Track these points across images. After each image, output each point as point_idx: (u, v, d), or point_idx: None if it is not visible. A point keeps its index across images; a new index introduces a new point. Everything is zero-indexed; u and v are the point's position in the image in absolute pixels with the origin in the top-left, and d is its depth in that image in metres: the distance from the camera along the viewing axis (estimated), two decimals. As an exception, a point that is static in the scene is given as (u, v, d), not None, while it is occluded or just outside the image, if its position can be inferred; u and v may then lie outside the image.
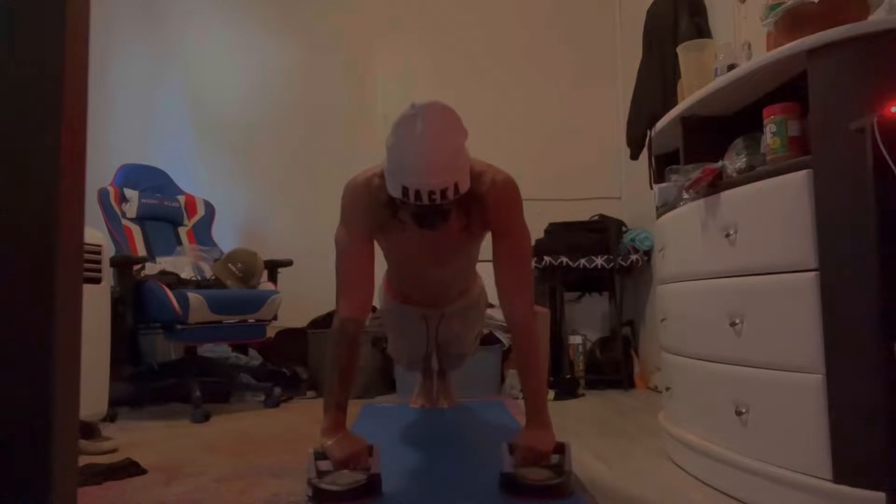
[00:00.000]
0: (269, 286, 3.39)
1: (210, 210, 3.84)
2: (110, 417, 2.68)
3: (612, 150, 4.15)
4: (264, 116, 4.27)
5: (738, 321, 1.59)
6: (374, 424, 2.42)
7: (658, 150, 2.41)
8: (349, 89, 4.29)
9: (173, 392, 3.17)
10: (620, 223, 3.87)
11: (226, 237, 3.86)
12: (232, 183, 4.20)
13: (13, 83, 0.62)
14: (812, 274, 1.38)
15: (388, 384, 3.52)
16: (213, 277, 3.26)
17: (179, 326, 2.92)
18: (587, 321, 3.94)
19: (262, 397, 3.26)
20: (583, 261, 3.64)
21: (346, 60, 4.31)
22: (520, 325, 1.73)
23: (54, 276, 0.61)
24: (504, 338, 3.51)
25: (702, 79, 2.02)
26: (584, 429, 2.50)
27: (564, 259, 3.63)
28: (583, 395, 3.41)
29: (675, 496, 1.64)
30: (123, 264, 2.97)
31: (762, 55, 1.61)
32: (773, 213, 1.49)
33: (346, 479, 1.55)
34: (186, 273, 3.22)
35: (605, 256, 3.64)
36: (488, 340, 3.38)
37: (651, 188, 2.31)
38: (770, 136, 1.56)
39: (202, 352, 3.42)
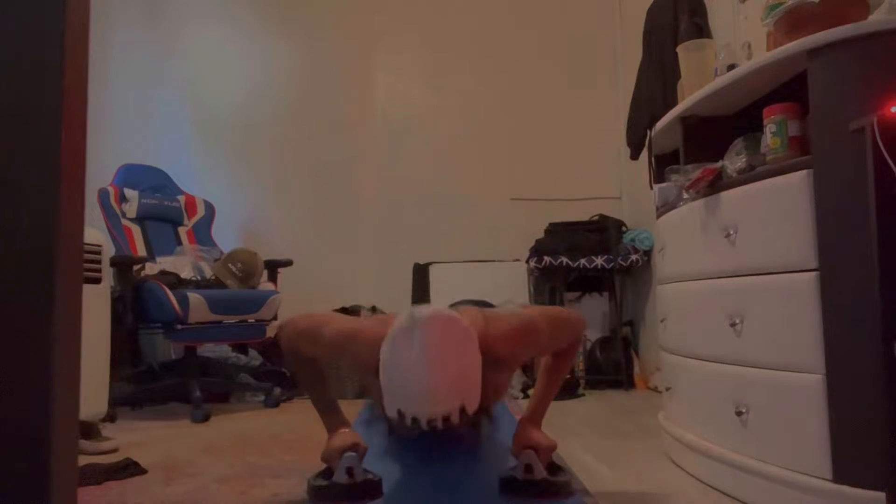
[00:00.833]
0: (269, 286, 3.39)
1: (210, 210, 3.84)
2: (110, 417, 2.68)
3: (612, 150, 4.15)
4: (264, 116, 4.27)
5: (738, 321, 1.59)
6: (374, 424, 2.42)
7: (658, 150, 2.41)
8: (349, 89, 4.29)
9: (173, 392, 3.17)
10: (620, 223, 3.87)
11: (226, 237, 3.86)
12: (232, 183, 4.20)
13: (13, 83, 0.62)
14: (812, 274, 1.38)
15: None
16: (213, 277, 3.26)
17: (179, 326, 2.92)
18: (587, 321, 3.94)
19: (262, 397, 3.26)
20: (583, 261, 3.64)
21: (346, 60, 4.31)
22: (576, 339, 1.73)
23: (54, 276, 0.61)
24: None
25: (702, 79, 2.01)
26: (584, 429, 2.50)
27: (564, 259, 3.63)
28: (583, 395, 3.41)
29: (675, 496, 1.64)
30: (123, 264, 2.97)
31: (762, 55, 1.61)
32: (773, 213, 1.49)
33: (346, 479, 1.55)
34: (186, 273, 3.22)
35: (605, 256, 3.64)
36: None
37: (651, 188, 2.31)
38: (770, 136, 1.56)
39: (202, 352, 3.42)
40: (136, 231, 3.47)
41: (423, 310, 1.31)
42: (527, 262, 3.78)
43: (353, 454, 1.57)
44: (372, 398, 1.91)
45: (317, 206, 4.20)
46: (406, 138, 4.24)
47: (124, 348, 3.28)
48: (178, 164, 3.99)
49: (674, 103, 2.22)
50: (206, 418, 2.80)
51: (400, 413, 1.29)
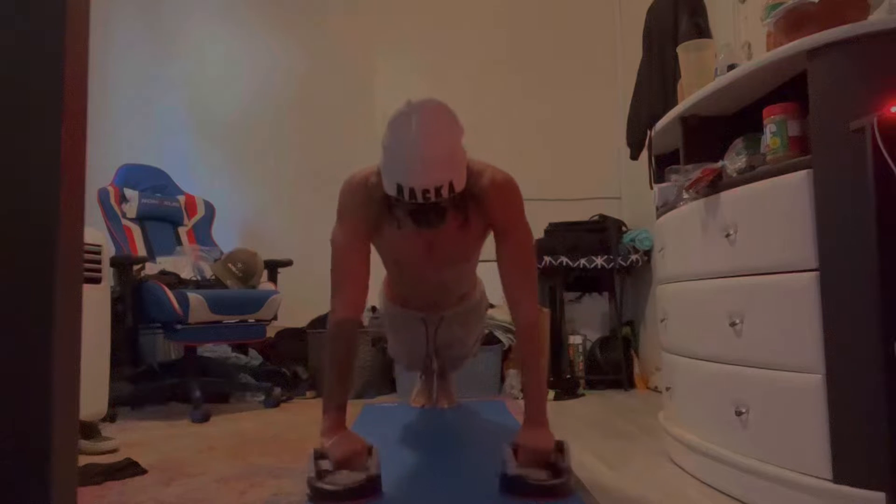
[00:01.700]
0: (269, 286, 3.39)
1: (210, 210, 3.84)
2: (110, 417, 2.68)
3: (612, 150, 4.15)
4: (264, 116, 4.27)
5: (738, 321, 1.59)
6: (374, 424, 2.42)
7: (658, 150, 2.41)
8: (349, 89, 4.29)
9: (173, 392, 3.17)
10: (620, 223, 3.87)
11: (226, 237, 3.86)
12: (232, 183, 4.20)
13: (13, 83, 0.62)
14: (812, 274, 1.38)
15: (388, 384, 3.52)
16: (213, 277, 3.26)
17: (179, 326, 2.92)
18: (587, 321, 3.94)
19: (262, 397, 3.26)
20: (583, 261, 3.64)
21: (346, 61, 4.31)
22: (526, 325, 1.73)
23: (54, 276, 0.61)
24: (504, 338, 3.51)
25: (702, 79, 2.01)
26: (584, 429, 2.50)
27: (564, 259, 3.63)
28: (583, 395, 3.41)
29: (675, 496, 1.64)
30: (123, 264, 2.97)
31: (762, 55, 1.61)
32: (773, 213, 1.49)
33: (346, 479, 1.55)
34: (186, 273, 3.22)
35: (605, 256, 3.64)
36: (488, 340, 3.38)
37: (651, 188, 2.31)
38: (770, 136, 1.56)
39: (202, 352, 3.42)
40: (136, 231, 3.47)
41: (418, 98, 1.52)
42: (527, 262, 3.77)
43: (377, 449, 1.62)
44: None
45: (317, 206, 4.18)
46: (406, 138, 4.23)
47: (124, 348, 3.28)
48: (178, 164, 3.99)
49: (674, 103, 2.22)
50: (206, 418, 2.80)
51: (399, 187, 1.49)
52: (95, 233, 2.50)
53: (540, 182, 4.17)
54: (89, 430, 2.23)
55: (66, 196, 0.62)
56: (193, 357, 3.16)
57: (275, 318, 3.30)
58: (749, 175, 1.60)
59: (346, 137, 4.25)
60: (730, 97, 1.85)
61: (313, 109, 4.26)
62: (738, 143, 1.73)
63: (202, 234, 3.75)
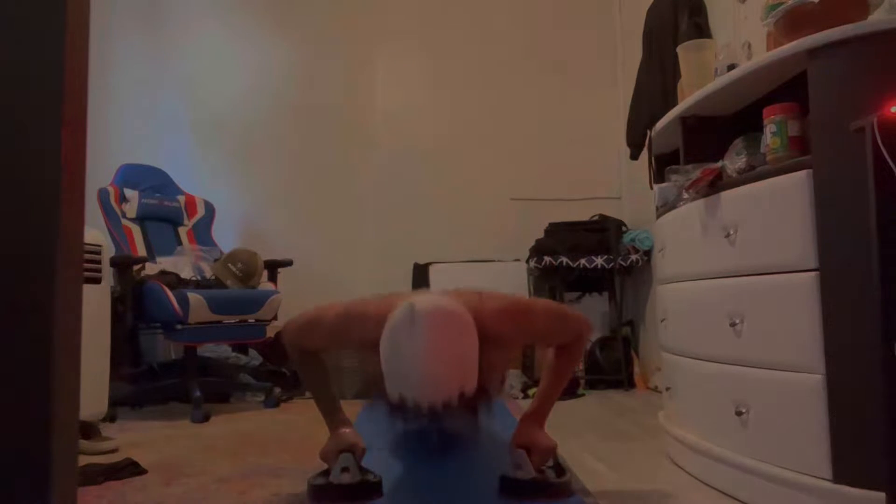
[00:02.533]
0: (269, 286, 3.39)
1: (210, 210, 3.84)
2: (110, 417, 2.68)
3: (612, 150, 4.15)
4: (264, 116, 4.27)
5: (738, 321, 1.59)
6: (374, 424, 2.42)
7: (658, 150, 2.41)
8: (349, 90, 4.29)
9: (173, 392, 3.17)
10: (620, 223, 3.87)
11: (226, 237, 3.86)
12: (232, 183, 4.20)
13: (13, 83, 0.62)
14: (812, 274, 1.38)
15: (388, 384, 3.51)
16: (213, 277, 3.26)
17: (179, 326, 2.92)
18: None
19: (262, 397, 3.26)
20: (583, 261, 3.63)
21: (345, 61, 4.31)
22: (580, 337, 1.71)
23: (54, 276, 0.61)
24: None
25: (702, 79, 2.01)
26: (584, 429, 2.50)
27: (564, 259, 3.63)
28: (583, 395, 3.41)
29: (675, 496, 1.64)
30: (123, 264, 2.97)
31: (762, 55, 1.61)
32: (773, 213, 1.49)
33: (346, 479, 1.55)
34: (186, 273, 3.22)
35: (605, 256, 3.64)
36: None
37: (651, 188, 2.31)
38: (770, 136, 1.56)
39: (202, 352, 3.42)
40: (136, 231, 3.47)
41: (422, 302, 1.33)
42: (527, 262, 3.78)
43: (350, 455, 1.58)
44: (373, 378, 1.93)
45: (317, 206, 4.20)
46: (406, 138, 4.24)
47: (124, 348, 3.27)
48: (178, 164, 3.99)
49: (674, 103, 2.22)
50: (206, 418, 2.80)
51: (401, 397, 1.33)
52: (95, 233, 2.50)
53: (540, 182, 4.19)
54: (89, 430, 2.23)
55: (66, 196, 0.62)
56: (193, 357, 3.16)
57: (275, 318, 3.30)
58: (749, 175, 1.60)
59: (346, 137, 4.25)
60: (730, 97, 1.84)
61: (313, 109, 4.26)
62: (738, 143, 1.73)
63: (202, 234, 3.75)
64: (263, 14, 4.33)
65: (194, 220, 3.78)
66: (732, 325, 1.61)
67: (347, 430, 1.67)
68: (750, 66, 1.64)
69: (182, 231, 3.71)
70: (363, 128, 4.25)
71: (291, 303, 3.43)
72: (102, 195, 3.41)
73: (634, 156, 3.31)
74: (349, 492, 1.51)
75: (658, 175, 2.37)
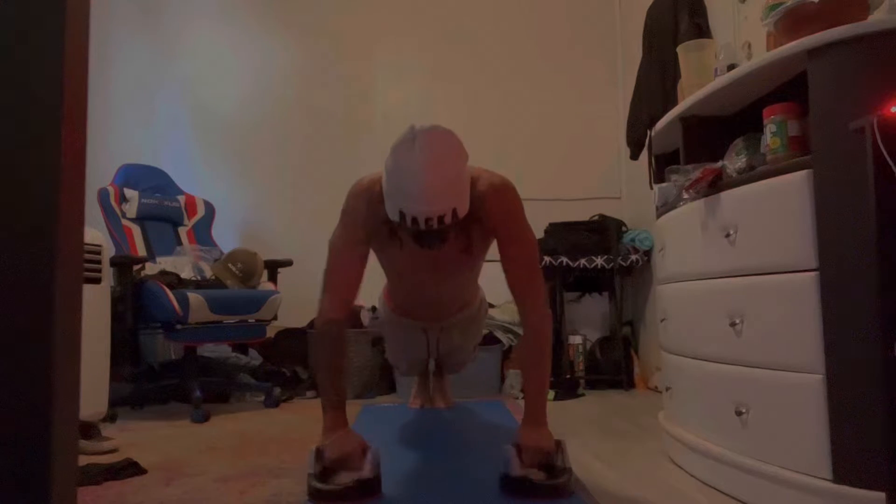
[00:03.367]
0: (269, 286, 3.39)
1: (210, 210, 3.84)
2: (110, 417, 2.68)
3: (612, 150, 4.15)
4: (264, 116, 4.27)
5: (738, 321, 1.59)
6: (373, 424, 2.42)
7: (658, 150, 2.41)
8: (349, 89, 4.29)
9: (173, 392, 3.17)
10: (620, 223, 3.87)
11: (226, 237, 3.86)
12: (232, 183, 4.20)
13: (13, 83, 0.62)
14: (812, 274, 1.38)
15: (388, 384, 3.52)
16: (213, 277, 3.26)
17: (179, 326, 2.92)
18: (587, 321, 3.94)
19: (262, 397, 3.26)
20: (583, 261, 3.63)
21: (346, 60, 4.31)
22: (533, 325, 1.73)
23: (54, 276, 0.61)
24: (504, 338, 3.51)
25: (702, 79, 2.02)
26: (584, 429, 2.50)
27: (564, 259, 3.63)
28: (583, 395, 3.41)
29: (675, 496, 1.64)
30: (123, 264, 2.97)
31: (762, 55, 1.61)
32: (773, 213, 1.49)
33: (346, 479, 1.55)
34: (186, 273, 3.22)
35: (605, 256, 3.64)
36: (488, 340, 3.38)
37: (651, 188, 2.31)
38: (770, 136, 1.56)
39: (202, 352, 3.42)
40: (136, 231, 3.47)
41: (422, 123, 1.49)
42: (527, 262, 3.77)
43: (376, 453, 1.60)
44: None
45: (317, 206, 4.19)
46: (406, 138, 4.23)
47: (124, 348, 3.27)
48: (178, 164, 3.99)
49: (674, 103, 2.22)
50: (206, 418, 2.80)
51: (402, 214, 1.47)
52: (95, 233, 2.50)
53: (540, 182, 4.18)
54: (89, 430, 2.23)
55: (66, 196, 0.62)
56: (193, 357, 3.16)
57: (275, 318, 3.30)
58: (749, 175, 1.60)
59: (346, 137, 4.25)
60: (730, 97, 1.85)
61: (313, 109, 4.26)
62: (738, 143, 1.73)
63: (202, 234, 3.75)
64: (264, 14, 4.33)
65: (194, 220, 3.78)
66: (732, 325, 1.61)
67: (351, 432, 1.68)
68: (750, 66, 1.64)
69: (182, 231, 3.71)
70: (363, 127, 4.25)
71: (291, 303, 3.44)
72: (102, 195, 3.41)
73: (634, 156, 3.30)
74: (349, 492, 1.51)
75: (658, 175, 2.37)
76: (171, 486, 1.75)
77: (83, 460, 1.93)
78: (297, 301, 3.43)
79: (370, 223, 1.71)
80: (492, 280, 2.21)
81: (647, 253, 3.61)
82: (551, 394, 3.23)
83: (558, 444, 1.64)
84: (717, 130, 1.93)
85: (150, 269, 3.14)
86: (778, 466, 1.46)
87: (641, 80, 3.16)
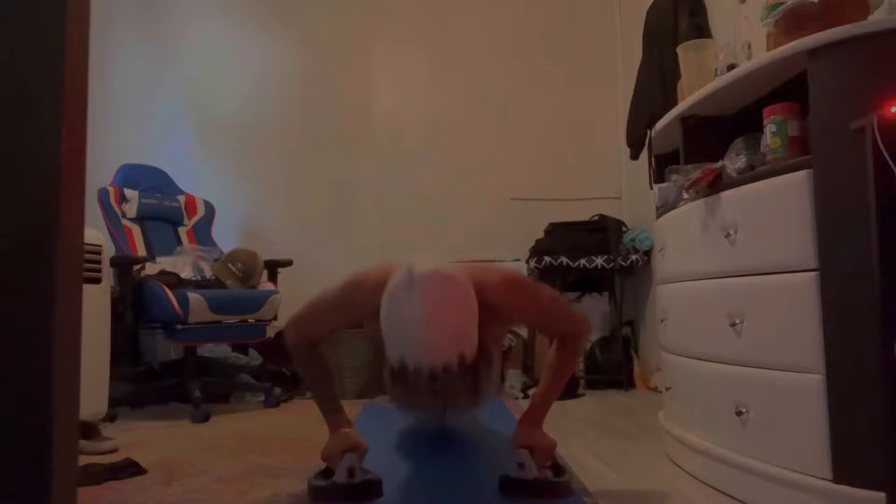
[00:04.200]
0: (269, 286, 3.39)
1: (210, 210, 3.84)
2: (110, 417, 2.68)
3: (612, 150, 4.15)
4: (264, 116, 4.27)
5: (738, 321, 1.59)
6: (373, 424, 2.42)
7: (658, 150, 2.41)
8: (349, 90, 4.29)
9: (173, 392, 3.16)
10: (620, 223, 3.87)
11: (226, 237, 3.86)
12: (232, 183, 4.20)
13: (13, 83, 0.62)
14: (812, 274, 1.38)
15: (388, 384, 3.52)
16: (213, 277, 3.26)
17: (179, 326, 2.92)
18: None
19: (262, 397, 3.26)
20: (583, 261, 3.63)
21: (345, 60, 4.31)
22: (571, 335, 1.71)
23: (54, 276, 0.61)
24: (504, 338, 3.51)
25: (702, 79, 2.01)
26: (584, 429, 2.50)
27: (564, 259, 3.63)
28: (583, 395, 3.41)
29: (675, 496, 1.64)
30: (123, 264, 2.97)
31: (762, 55, 1.61)
32: (773, 213, 1.49)
33: (345, 479, 1.55)
34: (186, 273, 3.22)
35: (605, 256, 3.64)
36: (488, 340, 3.37)
37: (651, 188, 2.31)
38: (770, 136, 1.56)
39: (202, 352, 3.42)
40: (136, 231, 3.47)
41: (421, 266, 1.33)
42: (527, 262, 3.78)
43: (354, 454, 1.57)
44: (378, 345, 2.00)
45: (317, 206, 4.20)
46: (406, 138, 4.24)
47: (124, 348, 3.27)
48: (178, 164, 3.99)
49: (674, 103, 2.22)
50: (206, 418, 2.80)
51: (402, 362, 1.33)
52: (95, 233, 2.50)
53: (540, 182, 4.19)
54: (89, 430, 2.23)
55: (66, 196, 0.62)
56: (193, 357, 3.15)
57: (275, 318, 3.30)
58: (749, 175, 1.60)
59: (346, 137, 4.25)
60: (730, 97, 1.85)
61: (313, 109, 4.26)
62: (738, 143, 1.73)
63: (202, 234, 3.75)
64: (263, 14, 4.33)
65: (194, 220, 3.78)
66: (732, 325, 1.61)
67: (349, 430, 1.67)
68: (750, 66, 1.64)
69: (182, 231, 3.71)
70: (363, 128, 4.25)
71: (291, 303, 3.43)
72: (102, 195, 3.41)
73: (634, 156, 3.31)
74: (349, 492, 1.51)
75: (658, 175, 2.37)
76: (171, 486, 1.75)
77: (83, 460, 1.93)
78: (297, 301, 3.40)
79: (371, 324, 1.63)
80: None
81: (647, 253, 3.61)
82: (551, 394, 3.23)
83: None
84: (717, 130, 1.93)
85: (150, 269, 3.14)
86: (778, 466, 1.46)
87: (641, 80, 3.16)
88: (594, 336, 3.84)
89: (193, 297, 2.91)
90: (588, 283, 3.87)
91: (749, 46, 2.36)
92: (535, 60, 4.29)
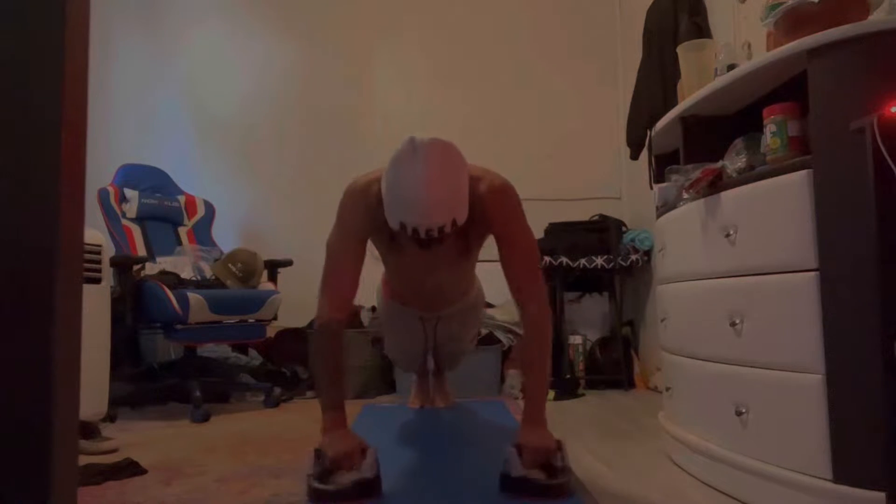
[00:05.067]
0: (269, 286, 3.39)
1: (210, 210, 3.84)
2: (110, 417, 2.68)
3: (612, 150, 4.15)
4: (264, 116, 4.27)
5: (738, 321, 1.59)
6: (373, 424, 2.42)
7: (658, 150, 2.41)
8: (349, 89, 4.29)
9: (173, 392, 3.16)
10: (620, 223, 3.87)
11: (226, 237, 3.86)
12: (232, 183, 4.20)
13: (13, 83, 0.62)
14: (812, 274, 1.38)
15: (388, 384, 3.52)
16: (213, 277, 3.26)
17: (179, 326, 2.92)
18: (587, 321, 3.94)
19: (262, 397, 3.26)
20: (583, 261, 3.63)
21: (345, 60, 4.31)
22: (533, 321, 1.74)
23: (54, 276, 0.61)
24: (504, 338, 3.51)
25: (702, 79, 2.02)
26: (584, 429, 2.50)
27: (564, 259, 3.63)
28: (583, 395, 3.41)
29: (675, 496, 1.64)
30: (123, 264, 2.97)
31: (762, 55, 1.61)
32: (773, 213, 1.49)
33: (345, 479, 1.55)
34: (186, 273, 3.22)
35: (605, 256, 3.64)
36: (488, 340, 3.38)
37: (651, 188, 2.31)
38: (770, 136, 1.56)
39: (202, 352, 3.42)
40: (136, 231, 3.47)
41: (423, 135, 1.50)
42: (527, 262, 3.77)
43: (373, 450, 1.60)
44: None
45: (317, 206, 4.18)
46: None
47: (124, 348, 3.28)
48: (178, 164, 3.99)
49: (674, 103, 2.22)
50: (206, 418, 2.80)
51: (402, 224, 1.50)
52: (95, 233, 2.50)
53: (540, 182, 4.18)
54: (89, 430, 2.23)
55: (66, 196, 0.62)
56: (193, 357, 3.15)
57: (275, 318, 3.30)
58: (749, 175, 1.60)
59: (346, 137, 4.25)
60: (730, 97, 1.85)
61: (313, 109, 4.26)
62: (738, 143, 1.73)
63: (202, 234, 3.75)
64: (263, 14, 4.33)
65: (194, 220, 3.78)
66: (732, 325, 1.61)
67: (350, 433, 1.68)
68: (750, 66, 1.64)
69: (182, 231, 3.71)
70: (363, 127, 4.25)
71: (291, 303, 3.44)
72: (102, 195, 3.41)
73: (634, 156, 3.31)
74: (349, 492, 1.51)
75: (658, 175, 2.37)
76: (171, 486, 1.75)
77: (83, 460, 1.93)
78: (297, 301, 3.44)
79: (367, 224, 1.73)
80: (492, 280, 2.22)
81: (647, 253, 3.61)
82: (551, 394, 3.23)
83: (558, 443, 1.64)
84: (717, 130, 1.93)
85: (150, 269, 3.15)
86: (778, 466, 1.46)
87: (641, 80, 3.16)
88: (594, 336, 3.84)
89: (193, 297, 2.91)
90: (588, 283, 3.87)
91: (749, 46, 2.35)
92: (536, 60, 4.29)
